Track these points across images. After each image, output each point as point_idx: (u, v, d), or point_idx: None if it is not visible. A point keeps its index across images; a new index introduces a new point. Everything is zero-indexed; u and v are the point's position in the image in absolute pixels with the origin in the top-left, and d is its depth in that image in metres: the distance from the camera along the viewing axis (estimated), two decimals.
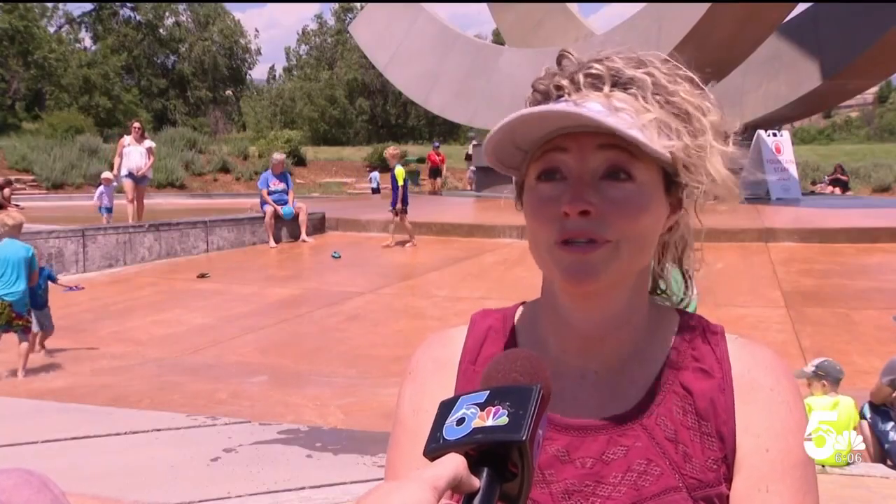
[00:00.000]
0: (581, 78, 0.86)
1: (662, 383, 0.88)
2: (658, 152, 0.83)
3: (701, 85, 0.89)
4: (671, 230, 0.92)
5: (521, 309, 0.98)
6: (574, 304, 0.88)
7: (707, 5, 13.22)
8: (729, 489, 0.85)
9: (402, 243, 12.02)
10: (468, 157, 25.74)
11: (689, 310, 0.98)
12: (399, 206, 11.89)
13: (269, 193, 12.96)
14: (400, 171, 12.28)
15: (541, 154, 0.86)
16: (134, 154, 13.22)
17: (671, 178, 0.87)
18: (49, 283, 7.68)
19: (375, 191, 23.78)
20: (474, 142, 26.44)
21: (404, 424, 0.94)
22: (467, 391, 0.69)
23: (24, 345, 6.68)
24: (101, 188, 14.63)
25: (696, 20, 13.40)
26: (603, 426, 0.86)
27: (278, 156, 14.19)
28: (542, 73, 0.91)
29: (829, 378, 4.96)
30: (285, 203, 12.98)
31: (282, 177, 13.35)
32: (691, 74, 0.89)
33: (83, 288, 8.26)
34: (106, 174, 14.99)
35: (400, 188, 11.94)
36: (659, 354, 0.90)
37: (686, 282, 0.98)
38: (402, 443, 0.93)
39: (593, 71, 0.86)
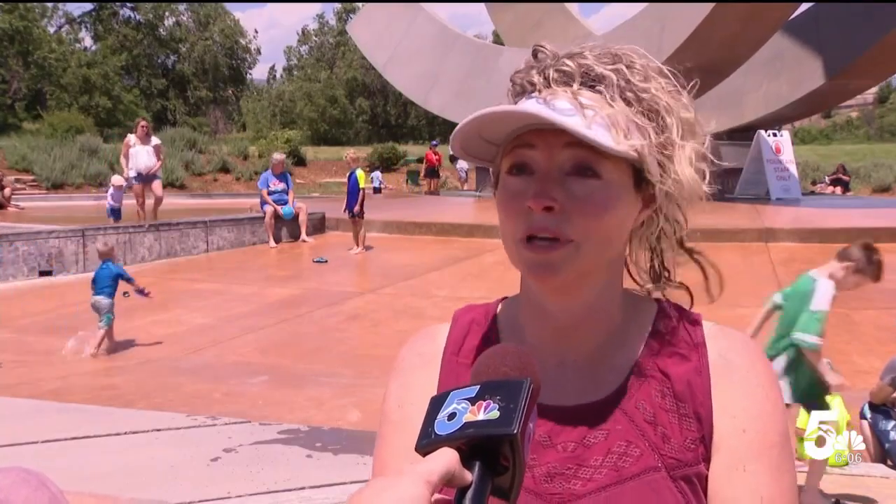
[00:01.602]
0: (552, 74, 0.87)
1: (640, 368, 0.90)
2: (621, 152, 0.83)
3: (675, 81, 0.90)
4: (644, 225, 0.93)
5: (502, 303, 1.00)
6: (547, 295, 0.90)
7: (711, 5, 13.19)
8: (707, 469, 0.86)
9: (368, 248, 12.01)
10: (452, 159, 25.77)
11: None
12: (358, 209, 11.90)
13: (269, 193, 12.96)
14: (362, 175, 12.30)
15: (511, 149, 0.87)
16: (141, 154, 12.92)
17: (641, 174, 0.87)
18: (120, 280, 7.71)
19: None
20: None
21: (390, 418, 0.96)
22: (458, 386, 0.70)
23: None
24: (111, 191, 14.55)
25: (700, 20, 13.37)
26: (583, 411, 0.88)
27: (278, 156, 14.18)
28: (521, 65, 0.92)
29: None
30: (285, 203, 12.98)
31: (282, 177, 13.35)
32: (665, 69, 0.90)
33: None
34: (116, 180, 14.70)
35: (361, 192, 11.95)
36: (636, 341, 0.92)
37: (695, 260, 0.98)
38: (389, 437, 0.95)
39: (564, 68, 0.87)
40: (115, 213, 14.20)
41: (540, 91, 0.87)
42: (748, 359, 0.90)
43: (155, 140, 13.35)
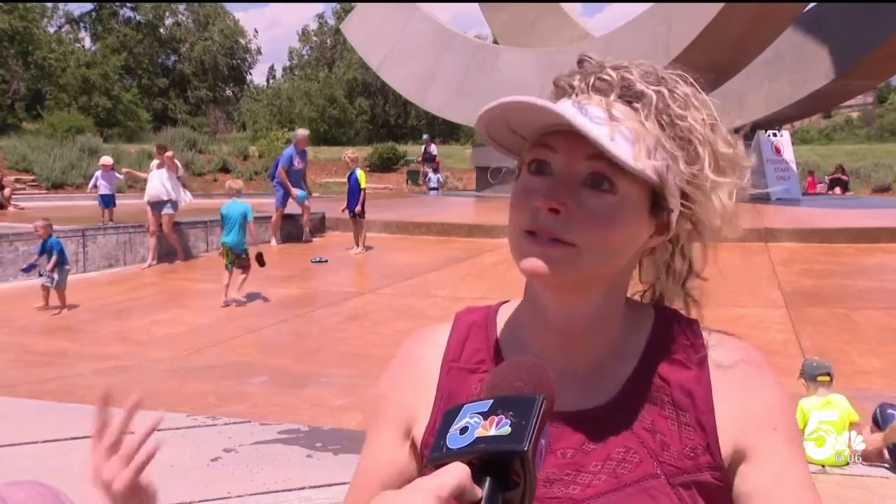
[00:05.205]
0: (592, 80, 0.87)
1: (640, 376, 0.90)
2: (641, 172, 0.83)
3: (713, 111, 0.89)
4: (655, 252, 0.93)
5: (504, 306, 1.00)
6: (550, 300, 0.89)
7: (720, 5, 13.14)
8: (717, 478, 0.86)
9: (368, 248, 11.97)
10: (425, 159, 25.69)
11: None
12: (359, 209, 11.85)
13: (291, 172, 12.60)
14: (362, 175, 12.19)
15: (535, 145, 0.87)
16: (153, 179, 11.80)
17: (657, 199, 0.87)
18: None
19: (434, 189, 23.84)
20: (429, 140, 26.41)
21: (375, 408, 1.00)
22: (471, 399, 0.70)
23: (243, 276, 9.25)
24: (98, 174, 13.79)
25: (709, 20, 13.31)
26: (582, 417, 0.89)
27: (303, 131, 13.56)
28: (567, 70, 0.93)
29: (805, 376, 4.93)
30: (296, 186, 12.60)
31: (303, 154, 13.00)
32: (709, 101, 0.89)
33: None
34: (105, 159, 14.14)
35: (362, 192, 11.90)
36: (636, 348, 0.92)
37: (688, 306, 0.97)
38: (372, 431, 1.00)
39: (605, 77, 0.87)
40: (107, 200, 13.31)
41: (577, 95, 0.87)
42: (753, 363, 0.91)
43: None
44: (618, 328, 0.92)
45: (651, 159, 0.84)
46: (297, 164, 12.77)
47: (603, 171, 0.84)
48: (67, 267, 9.45)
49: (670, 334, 0.92)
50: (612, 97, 0.86)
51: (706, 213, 0.88)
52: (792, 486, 0.85)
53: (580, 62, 0.91)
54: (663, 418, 0.88)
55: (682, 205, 0.88)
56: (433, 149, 25.73)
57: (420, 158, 26.59)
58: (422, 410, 0.95)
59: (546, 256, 0.83)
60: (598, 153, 0.83)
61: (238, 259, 9.21)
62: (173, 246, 11.58)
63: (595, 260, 0.84)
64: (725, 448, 0.86)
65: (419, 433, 0.94)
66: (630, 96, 0.86)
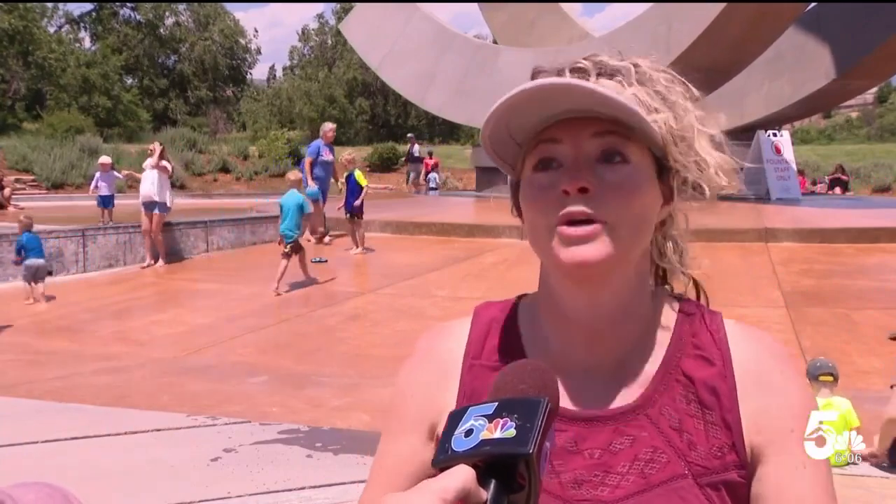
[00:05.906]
0: (567, 74, 0.88)
1: (665, 373, 0.89)
2: (649, 125, 0.84)
3: (678, 77, 0.91)
4: (664, 224, 0.93)
5: (523, 301, 0.99)
6: (574, 296, 0.88)
7: (721, 5, 13.14)
8: (742, 476, 0.85)
9: (368, 249, 11.93)
10: (409, 160, 25.64)
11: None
12: (358, 205, 11.81)
13: (318, 164, 12.50)
14: (360, 175, 12.15)
15: (534, 146, 0.87)
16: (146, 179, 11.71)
17: (662, 164, 0.88)
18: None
19: (433, 189, 23.81)
20: (414, 139, 26.43)
21: (393, 405, 0.98)
22: (476, 402, 0.70)
23: (284, 262, 9.67)
24: (97, 175, 13.67)
25: (709, 21, 13.31)
26: (609, 417, 0.88)
27: (330, 124, 13.50)
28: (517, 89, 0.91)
29: (808, 376, 4.94)
30: (328, 178, 12.53)
31: (331, 148, 12.90)
32: (669, 70, 0.92)
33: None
34: (103, 158, 14.11)
35: (362, 190, 11.88)
36: (661, 343, 0.91)
37: (697, 286, 0.98)
38: (388, 431, 0.97)
39: (579, 65, 0.88)
40: (106, 200, 13.19)
41: None
42: (776, 360, 0.90)
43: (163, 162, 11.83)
44: (643, 322, 0.91)
45: (653, 113, 0.86)
46: (326, 154, 12.76)
47: (613, 144, 0.85)
48: (39, 262, 9.61)
49: (694, 329, 0.92)
50: (593, 78, 0.87)
51: (698, 161, 0.89)
52: (804, 488, 0.84)
53: (535, 75, 0.90)
54: (689, 417, 0.87)
55: (676, 163, 0.89)
56: (415, 150, 25.72)
57: (405, 159, 26.60)
58: (446, 407, 0.93)
59: (585, 240, 0.83)
60: (603, 129, 0.84)
61: (289, 246, 9.74)
62: (156, 248, 11.42)
63: (626, 234, 0.84)
64: (747, 446, 0.86)
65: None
66: (610, 72, 0.88)
